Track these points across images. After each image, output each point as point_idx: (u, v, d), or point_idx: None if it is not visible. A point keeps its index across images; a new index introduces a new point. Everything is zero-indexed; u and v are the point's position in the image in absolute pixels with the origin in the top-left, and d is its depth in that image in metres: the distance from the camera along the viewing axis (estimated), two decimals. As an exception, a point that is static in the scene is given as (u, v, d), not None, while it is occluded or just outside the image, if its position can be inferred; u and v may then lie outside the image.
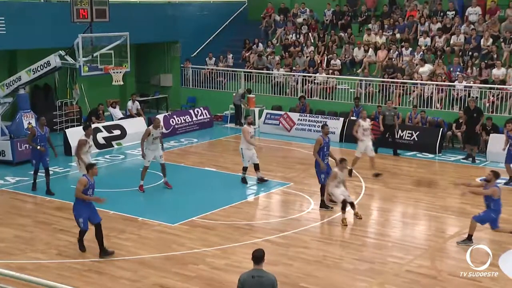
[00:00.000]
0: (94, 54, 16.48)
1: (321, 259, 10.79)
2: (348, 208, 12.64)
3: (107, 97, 22.30)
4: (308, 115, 21.11)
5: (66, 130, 18.55)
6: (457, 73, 20.20)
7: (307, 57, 23.31)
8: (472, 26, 21.89)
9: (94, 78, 19.36)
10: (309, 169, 16.92)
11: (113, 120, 20.34)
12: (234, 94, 22.61)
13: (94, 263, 10.51)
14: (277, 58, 23.94)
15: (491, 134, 17.99)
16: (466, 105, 18.51)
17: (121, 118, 20.54)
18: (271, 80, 23.23)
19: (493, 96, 19.21)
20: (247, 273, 7.12)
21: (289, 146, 19.80)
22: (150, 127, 14.56)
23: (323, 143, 13.42)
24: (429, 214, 13.41)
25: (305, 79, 22.45)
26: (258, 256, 7.10)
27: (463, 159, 17.90)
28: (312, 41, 24.35)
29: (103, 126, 19.32)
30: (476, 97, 19.21)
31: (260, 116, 22.18)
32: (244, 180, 15.26)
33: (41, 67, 16.74)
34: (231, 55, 24.89)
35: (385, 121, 18.45)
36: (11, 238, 11.70)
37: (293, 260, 10.75)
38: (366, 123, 16.17)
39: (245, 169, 15.25)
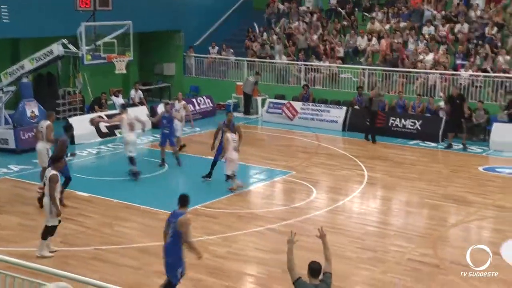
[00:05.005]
0: (97, 43, 16.48)
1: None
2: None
3: (110, 86, 22.28)
4: (311, 104, 21.08)
5: (69, 119, 18.59)
6: (461, 61, 20.13)
7: (310, 45, 23.22)
8: (477, 14, 21.77)
9: (97, 67, 19.35)
10: (312, 157, 16.98)
11: (116, 109, 20.33)
12: (243, 83, 22.50)
13: (98, 251, 10.56)
14: (280, 46, 23.87)
15: (494, 123, 17.95)
16: (450, 93, 18.48)
17: (124, 107, 20.50)
18: (274, 69, 23.19)
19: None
20: (305, 284, 6.64)
21: (292, 135, 19.80)
22: None
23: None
24: (431, 203, 13.42)
25: (308, 68, 22.41)
26: (316, 269, 6.70)
27: (444, 148, 17.85)
28: (316, 29, 24.26)
29: (106, 115, 19.32)
30: (481, 86, 19.19)
31: (263, 105, 22.17)
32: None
33: (44, 56, 16.74)
34: (231, 50, 24.57)
35: (371, 107, 18.73)
36: (15, 226, 11.76)
37: (296, 249, 10.71)
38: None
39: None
